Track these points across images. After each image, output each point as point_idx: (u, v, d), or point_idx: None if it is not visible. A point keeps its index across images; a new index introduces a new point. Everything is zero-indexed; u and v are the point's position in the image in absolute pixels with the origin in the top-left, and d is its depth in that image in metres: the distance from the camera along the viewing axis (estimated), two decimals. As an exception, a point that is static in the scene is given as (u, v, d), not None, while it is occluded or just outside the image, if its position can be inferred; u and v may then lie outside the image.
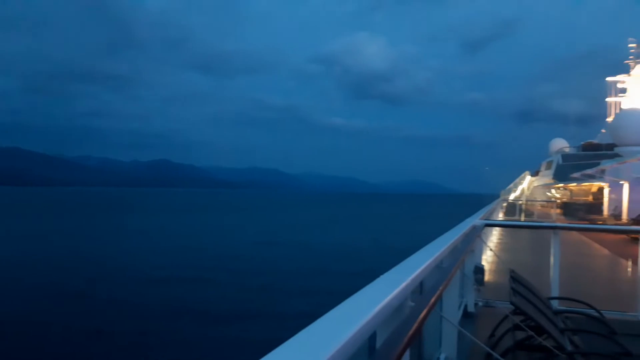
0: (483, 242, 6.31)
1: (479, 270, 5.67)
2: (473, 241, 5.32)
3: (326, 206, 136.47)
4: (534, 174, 54.92)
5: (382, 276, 2.17)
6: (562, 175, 41.05)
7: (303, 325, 1.32)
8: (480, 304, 6.07)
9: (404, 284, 2.00)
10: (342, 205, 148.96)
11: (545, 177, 47.64)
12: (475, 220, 6.44)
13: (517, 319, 3.82)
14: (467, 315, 5.78)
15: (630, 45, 50.80)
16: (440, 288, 2.26)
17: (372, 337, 1.57)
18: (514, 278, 4.23)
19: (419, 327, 1.65)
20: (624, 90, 50.23)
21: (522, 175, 54.57)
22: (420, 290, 2.41)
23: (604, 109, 52.27)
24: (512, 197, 42.74)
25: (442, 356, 3.99)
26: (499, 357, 2.92)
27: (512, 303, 3.39)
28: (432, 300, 2.01)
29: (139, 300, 19.46)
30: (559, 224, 6.21)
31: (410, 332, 1.53)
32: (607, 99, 51.90)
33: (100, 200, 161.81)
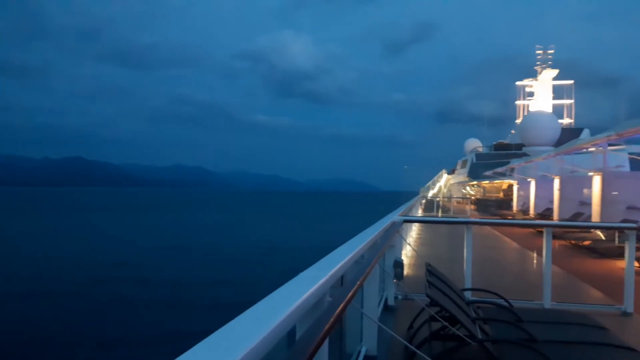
0: (402, 238, 6.50)
1: (398, 264, 5.82)
2: (392, 236, 5.45)
3: (250, 205, 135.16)
4: (451, 172, 57.74)
5: (302, 273, 2.21)
6: (476, 173, 43.48)
7: (222, 324, 1.35)
8: (399, 297, 6.24)
9: (323, 280, 2.06)
10: (266, 203, 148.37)
11: (461, 175, 50.24)
12: (395, 216, 6.62)
13: (433, 311, 3.95)
14: (387, 309, 5.93)
15: (538, 52, 54.94)
16: (358, 283, 2.29)
17: (292, 332, 1.63)
18: (430, 271, 4.37)
19: (336, 320, 1.69)
20: (531, 94, 54.21)
21: (440, 173, 57.35)
22: (340, 284, 2.44)
23: (513, 111, 56.17)
24: (430, 194, 44.77)
25: (363, 349, 4.04)
26: (414, 349, 3.00)
27: (427, 295, 3.49)
28: (350, 294, 2.06)
29: (17, 309, 18.01)
30: (471, 219, 6.54)
31: (327, 326, 1.58)
32: (516, 102, 55.79)
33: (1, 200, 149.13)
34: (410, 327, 4.72)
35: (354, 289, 2.13)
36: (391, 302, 6.05)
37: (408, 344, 3.18)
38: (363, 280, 2.46)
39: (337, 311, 1.74)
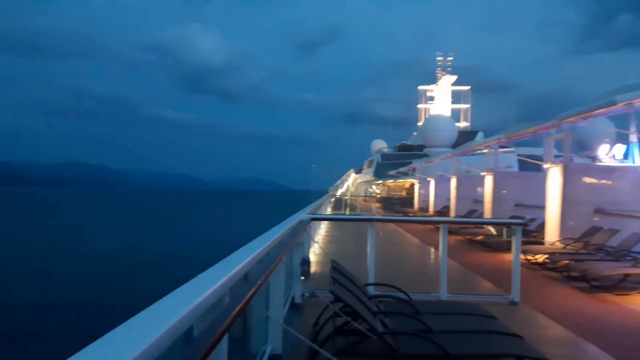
0: (309, 236, 6.56)
1: (305, 262, 5.86)
2: (299, 235, 5.47)
3: (155, 204, 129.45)
4: (358, 171, 59.51)
5: (202, 273, 2.16)
6: (381, 172, 45.18)
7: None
8: (306, 294, 6.29)
9: (222, 280, 2.03)
10: (173, 203, 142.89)
11: (367, 175, 51.97)
12: (303, 215, 6.66)
13: (337, 307, 4.01)
14: (294, 307, 5.94)
15: (438, 58, 58.35)
16: (259, 282, 2.26)
17: (189, 331, 1.62)
18: (335, 268, 4.43)
19: (234, 319, 1.69)
20: (432, 98, 57.45)
21: (348, 172, 58.86)
22: (244, 283, 2.39)
23: (416, 114, 59.17)
24: (339, 192, 45.83)
25: (268, 348, 4.00)
26: (316, 347, 3.02)
27: (331, 292, 3.53)
28: (251, 293, 2.04)
29: None
30: (374, 216, 6.76)
31: (224, 325, 1.58)
32: (418, 105, 58.81)
33: None
34: (316, 323, 4.77)
35: (254, 288, 2.09)
36: (298, 299, 6.07)
37: (311, 343, 3.19)
38: (265, 278, 2.43)
39: (236, 310, 1.74)
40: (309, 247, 8.07)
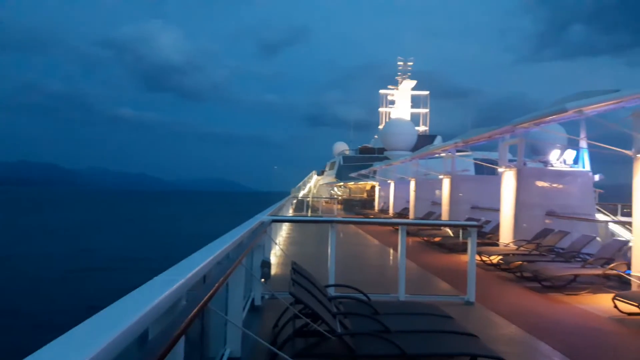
0: (270, 237, 6.53)
1: (266, 264, 5.83)
2: (260, 236, 5.44)
3: (111, 205, 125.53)
4: (320, 173, 59.65)
5: (158, 276, 2.13)
6: (343, 174, 45.43)
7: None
8: (266, 296, 6.25)
9: (181, 281, 2.02)
10: (130, 203, 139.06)
11: (329, 177, 52.15)
12: (263, 216, 6.63)
13: (297, 308, 4.01)
14: (254, 309, 5.90)
15: (399, 63, 59.25)
16: (217, 284, 2.23)
17: (145, 334, 1.61)
18: (295, 270, 4.43)
19: (190, 322, 1.68)
20: (393, 102, 58.26)
21: (310, 174, 58.94)
22: (202, 285, 2.37)
23: (377, 117, 59.85)
24: (301, 194, 45.84)
25: (227, 351, 3.96)
26: (275, 350, 3.01)
27: (290, 293, 3.53)
28: (208, 296, 2.02)
29: None
30: (335, 218, 6.80)
31: (180, 329, 1.56)
32: (379, 109, 59.52)
33: None
34: (276, 325, 4.75)
35: (212, 290, 2.07)
36: (258, 302, 6.03)
37: (270, 346, 3.18)
38: (223, 281, 2.41)
39: (193, 313, 1.73)
40: (269, 249, 8.02)
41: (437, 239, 14.17)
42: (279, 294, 4.94)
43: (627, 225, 11.12)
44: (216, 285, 2.18)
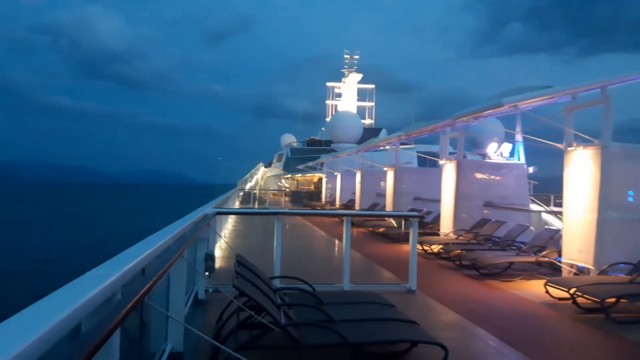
0: (214, 230, 6.44)
1: (210, 257, 5.74)
2: (203, 229, 5.35)
3: (47, 198, 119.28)
4: (268, 165, 59.31)
5: (92, 270, 2.08)
6: (290, 166, 45.40)
7: None
8: (210, 290, 6.17)
9: (116, 275, 1.98)
10: (68, 197, 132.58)
11: (277, 169, 51.97)
12: (207, 208, 6.52)
13: (241, 301, 3.98)
14: (197, 303, 5.81)
15: (345, 56, 59.70)
16: (154, 278, 2.18)
17: (77, 330, 1.60)
18: (240, 262, 4.40)
19: (125, 316, 1.66)
20: (339, 95, 58.69)
21: (257, 166, 58.44)
22: (140, 279, 2.31)
23: (324, 110, 60.14)
24: (248, 186, 45.40)
25: (169, 346, 3.88)
26: (217, 344, 2.98)
27: (234, 286, 3.50)
28: (145, 289, 1.98)
29: None
30: (281, 209, 6.80)
31: (114, 323, 1.56)
32: (326, 101, 59.82)
33: None
34: (220, 319, 4.70)
35: (149, 284, 2.02)
36: (202, 295, 5.94)
37: (212, 340, 3.14)
38: (162, 274, 2.36)
39: (127, 307, 1.71)
40: (214, 242, 7.92)
41: (381, 230, 14.47)
42: (223, 287, 4.89)
43: (558, 215, 11.82)
44: (153, 279, 2.13)
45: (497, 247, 9.63)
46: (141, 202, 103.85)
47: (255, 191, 37.49)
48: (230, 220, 15.76)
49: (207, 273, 5.85)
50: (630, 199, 7.34)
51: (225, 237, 12.37)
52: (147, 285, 2.01)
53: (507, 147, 13.14)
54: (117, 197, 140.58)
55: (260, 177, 57.56)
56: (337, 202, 25.44)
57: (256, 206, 29.96)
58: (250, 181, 51.87)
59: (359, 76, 56.86)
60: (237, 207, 24.30)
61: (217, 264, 7.99)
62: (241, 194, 33.70)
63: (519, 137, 11.76)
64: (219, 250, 9.61)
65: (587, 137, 7.54)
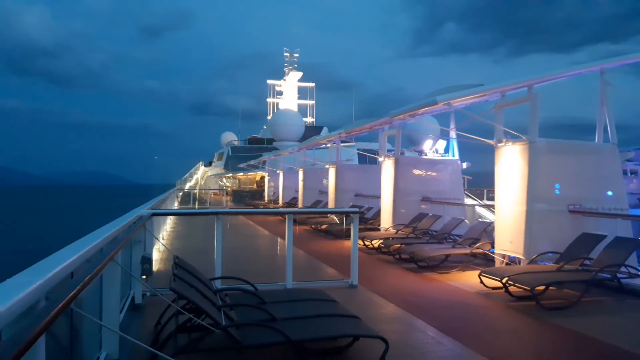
0: (150, 232, 6.22)
1: (146, 260, 5.54)
2: (139, 231, 5.16)
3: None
4: (208, 164, 58.23)
5: (14, 276, 1.98)
6: (231, 165, 44.80)
7: None
8: (148, 294, 5.96)
9: (40, 281, 1.90)
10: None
11: (218, 167, 51.12)
12: (142, 210, 6.29)
13: (180, 304, 3.87)
14: (134, 308, 5.60)
15: (285, 54, 59.57)
16: (82, 283, 2.07)
17: None
18: (178, 264, 4.28)
19: (49, 324, 1.58)
20: (280, 93, 58.55)
21: (197, 165, 57.22)
22: (68, 284, 2.19)
23: (265, 108, 59.79)
24: (188, 186, 44.35)
25: (103, 354, 3.71)
26: (154, 351, 2.88)
27: (171, 289, 3.39)
28: (72, 295, 1.87)
29: None
30: (220, 209, 6.67)
31: (37, 330, 1.49)
32: (267, 99, 59.50)
33: None
34: (158, 323, 4.56)
35: (76, 289, 1.92)
36: (138, 300, 5.73)
37: (147, 347, 3.03)
38: (91, 279, 2.24)
39: (52, 314, 1.62)
40: (151, 244, 7.65)
41: (324, 227, 14.59)
42: (160, 291, 4.73)
43: (491, 208, 12.37)
44: (81, 284, 2.02)
45: (434, 240, 9.95)
46: (73, 205, 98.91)
47: (195, 191, 36.68)
48: (169, 222, 15.33)
49: (144, 277, 5.64)
50: (557, 192, 7.80)
51: (163, 239, 12.01)
52: (74, 291, 1.90)
53: (442, 144, 13.62)
54: (47, 200, 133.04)
55: (201, 176, 56.43)
56: (280, 201, 25.38)
57: (196, 206, 29.30)
58: (190, 181, 50.74)
59: (299, 74, 56.99)
60: (176, 207, 23.68)
61: (155, 266, 7.75)
62: (180, 194, 32.87)
63: (453, 134, 12.21)
64: (157, 253, 9.32)
65: (515, 133, 7.94)
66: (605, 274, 6.42)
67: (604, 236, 7.01)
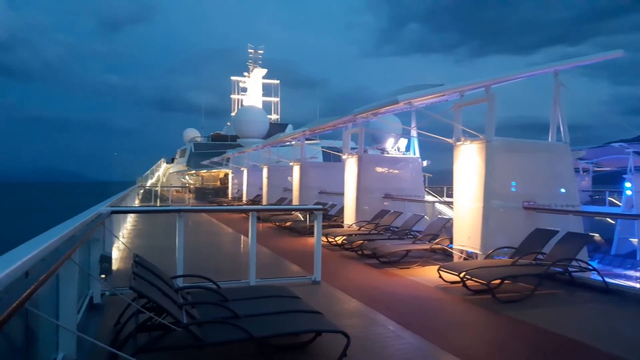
0: (109, 230, 6.10)
1: (106, 259, 5.44)
2: (97, 229, 5.06)
3: None
4: (170, 161, 57.18)
5: None
6: (194, 162, 44.17)
7: None
8: (107, 293, 5.86)
9: None
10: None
11: (180, 164, 50.28)
12: (102, 207, 6.17)
13: (140, 303, 3.84)
14: (93, 307, 5.49)
15: (250, 50, 59.08)
16: (35, 283, 2.03)
17: None
18: (138, 262, 4.23)
19: (2, 323, 1.57)
20: (245, 89, 58.03)
21: (159, 162, 56.08)
22: (23, 285, 2.15)
23: (229, 104, 59.16)
24: (149, 183, 43.44)
25: (60, 355, 3.64)
26: (113, 350, 2.85)
27: (131, 288, 3.36)
28: (25, 295, 1.84)
29: None
30: (182, 207, 6.59)
31: None
32: (232, 96, 58.88)
33: None
34: (118, 323, 4.50)
35: (29, 290, 1.89)
36: (97, 299, 5.63)
37: (106, 346, 3.00)
38: (45, 279, 2.20)
39: (4, 315, 1.60)
40: (111, 242, 7.50)
41: (288, 224, 14.61)
42: (120, 290, 4.67)
43: (450, 204, 12.70)
44: (35, 283, 1.99)
45: (395, 236, 10.15)
46: (28, 204, 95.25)
47: (156, 188, 35.98)
48: (130, 220, 15.02)
49: (103, 276, 5.53)
50: (513, 189, 8.09)
51: (124, 237, 11.77)
52: (28, 291, 1.87)
53: (403, 142, 13.86)
54: (1, 197, 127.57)
55: (162, 173, 55.34)
56: (244, 198, 25.23)
57: (158, 204, 28.77)
58: (152, 178, 49.71)
59: (264, 71, 56.66)
60: (137, 205, 23.19)
61: (115, 265, 7.60)
62: (141, 191, 32.21)
63: (414, 132, 12.46)
64: (117, 252, 9.14)
65: (473, 132, 8.18)
66: (558, 267, 6.72)
67: (556, 231, 7.32)
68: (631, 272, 18.41)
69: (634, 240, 21.27)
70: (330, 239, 10.89)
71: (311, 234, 11.42)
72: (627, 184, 24.22)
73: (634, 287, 6.43)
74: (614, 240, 24.09)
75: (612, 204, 26.84)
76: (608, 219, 26.09)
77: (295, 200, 16.80)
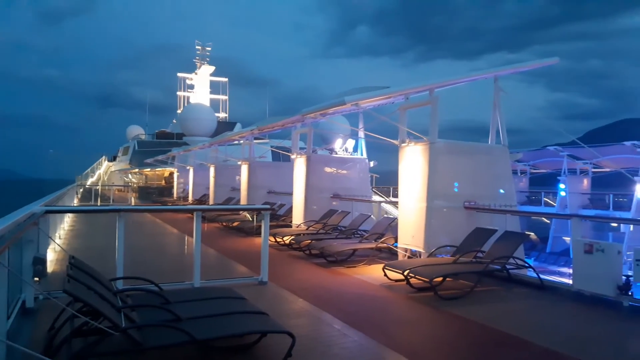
0: (43, 231, 5.79)
1: (39, 261, 5.15)
2: (31, 230, 4.80)
3: None
4: (112, 159, 55.06)
5: None
6: (137, 160, 42.74)
7: None
8: (41, 297, 5.56)
9: None
10: None
11: (122, 163, 48.51)
12: (35, 207, 5.85)
13: (76, 307, 3.66)
14: (26, 312, 5.20)
15: (197, 47, 57.85)
16: None
17: None
18: (73, 264, 4.04)
19: None
20: (192, 87, 56.77)
21: (100, 160, 53.91)
22: None
23: (175, 101, 57.68)
24: (89, 182, 41.66)
25: None
26: (45, 358, 2.71)
27: (65, 291, 3.20)
28: None
29: None
30: (122, 206, 6.36)
31: None
32: (178, 93, 57.44)
33: None
34: (52, 328, 4.27)
35: None
36: (30, 304, 5.33)
37: (37, 354, 2.84)
38: None
39: None
40: (46, 244, 7.13)
41: (235, 224, 14.43)
42: (54, 294, 4.44)
43: (396, 204, 12.96)
44: None
45: (342, 235, 10.24)
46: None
47: (97, 187, 34.55)
48: (68, 220, 14.36)
49: (36, 279, 5.24)
50: (455, 189, 8.36)
51: (61, 238, 11.23)
52: None
53: (351, 143, 14.04)
54: None
55: (104, 171, 53.23)
56: (190, 197, 24.70)
57: (99, 203, 27.64)
58: (92, 176, 47.72)
59: (212, 68, 55.65)
60: (75, 204, 22.19)
61: (50, 268, 7.25)
62: (81, 190, 30.85)
63: (361, 133, 12.63)
64: (53, 253, 8.71)
65: (417, 134, 8.39)
66: (496, 265, 7.00)
67: (495, 230, 7.63)
68: (564, 269, 19.53)
69: (567, 239, 22.59)
70: (278, 239, 10.85)
71: (259, 234, 11.33)
72: (562, 186, 25.68)
73: (567, 284, 6.79)
74: (549, 238, 25.49)
75: (547, 204, 28.35)
76: (543, 219, 27.54)
77: (244, 200, 16.61)
